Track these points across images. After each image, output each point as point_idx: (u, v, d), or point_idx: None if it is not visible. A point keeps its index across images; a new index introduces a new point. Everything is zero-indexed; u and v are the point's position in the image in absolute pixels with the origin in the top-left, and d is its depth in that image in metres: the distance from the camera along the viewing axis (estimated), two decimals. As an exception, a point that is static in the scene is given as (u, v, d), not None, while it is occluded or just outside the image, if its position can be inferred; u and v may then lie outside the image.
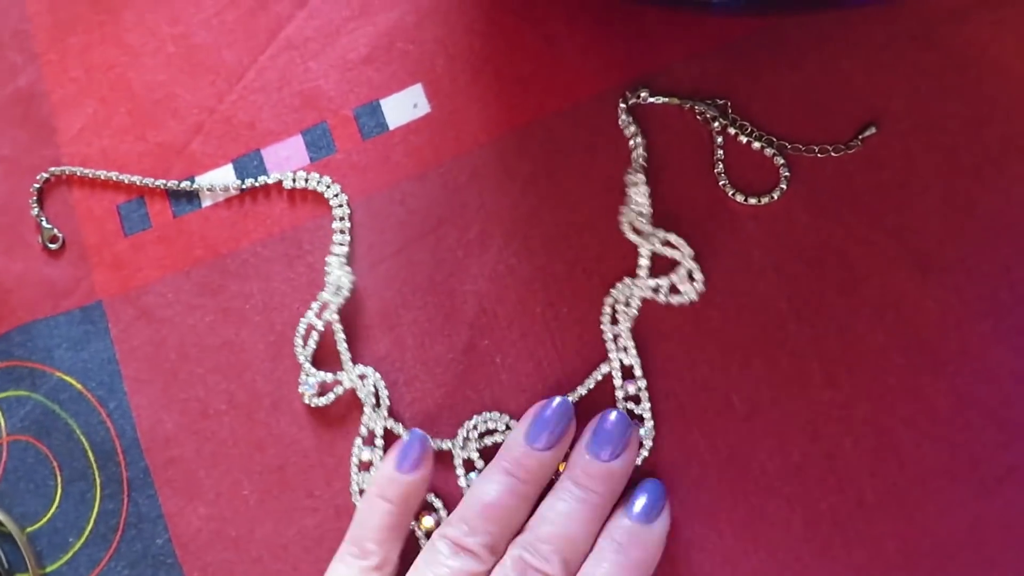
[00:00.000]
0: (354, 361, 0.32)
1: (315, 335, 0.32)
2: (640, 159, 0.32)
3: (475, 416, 0.31)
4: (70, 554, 0.33)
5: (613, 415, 0.30)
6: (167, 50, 0.36)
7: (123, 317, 0.34)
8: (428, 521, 0.31)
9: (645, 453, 0.30)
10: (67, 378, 0.33)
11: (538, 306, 0.32)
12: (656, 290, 0.31)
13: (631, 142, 0.32)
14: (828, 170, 0.32)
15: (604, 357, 0.31)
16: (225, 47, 0.36)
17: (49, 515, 0.33)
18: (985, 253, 0.30)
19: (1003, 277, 0.30)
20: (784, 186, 0.32)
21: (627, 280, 0.31)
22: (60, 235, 0.35)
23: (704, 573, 0.30)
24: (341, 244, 0.33)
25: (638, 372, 0.31)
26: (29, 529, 0.33)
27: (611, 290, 0.32)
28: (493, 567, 0.28)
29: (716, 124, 0.32)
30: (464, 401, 0.32)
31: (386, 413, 0.32)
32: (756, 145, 0.32)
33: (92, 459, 0.33)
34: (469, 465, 0.31)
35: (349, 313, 0.33)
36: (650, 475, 0.31)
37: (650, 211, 0.31)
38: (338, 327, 0.32)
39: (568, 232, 0.33)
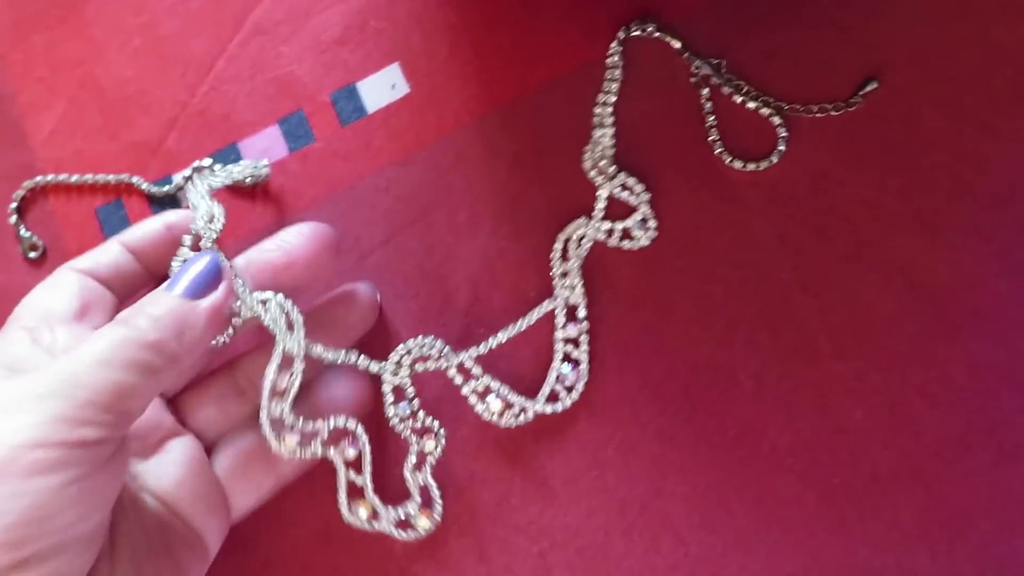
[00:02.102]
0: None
1: None
2: (612, 95, 0.31)
3: (410, 340, 0.29)
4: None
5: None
6: (133, 43, 0.35)
7: (111, 324, 0.33)
8: (350, 452, 0.29)
9: (576, 396, 0.30)
10: (59, 390, 0.33)
11: (532, 290, 0.31)
12: (609, 233, 0.30)
13: (608, 75, 0.31)
14: (829, 130, 0.30)
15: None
16: (192, 36, 0.34)
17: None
18: (997, 210, 0.29)
19: (1017, 235, 0.29)
20: (782, 148, 0.30)
21: (582, 219, 0.31)
22: (40, 243, 0.34)
23: (717, 554, 0.29)
24: (216, 177, 0.31)
25: (582, 313, 0.30)
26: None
27: (566, 227, 0.31)
28: None
29: (706, 90, 0.31)
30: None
31: (303, 334, 0.28)
32: (751, 105, 0.30)
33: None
34: (399, 393, 0.29)
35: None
36: (657, 456, 0.30)
37: (613, 152, 0.31)
38: (224, 260, 0.28)
39: (559, 211, 0.31)
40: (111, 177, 0.34)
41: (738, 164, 0.30)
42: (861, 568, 0.29)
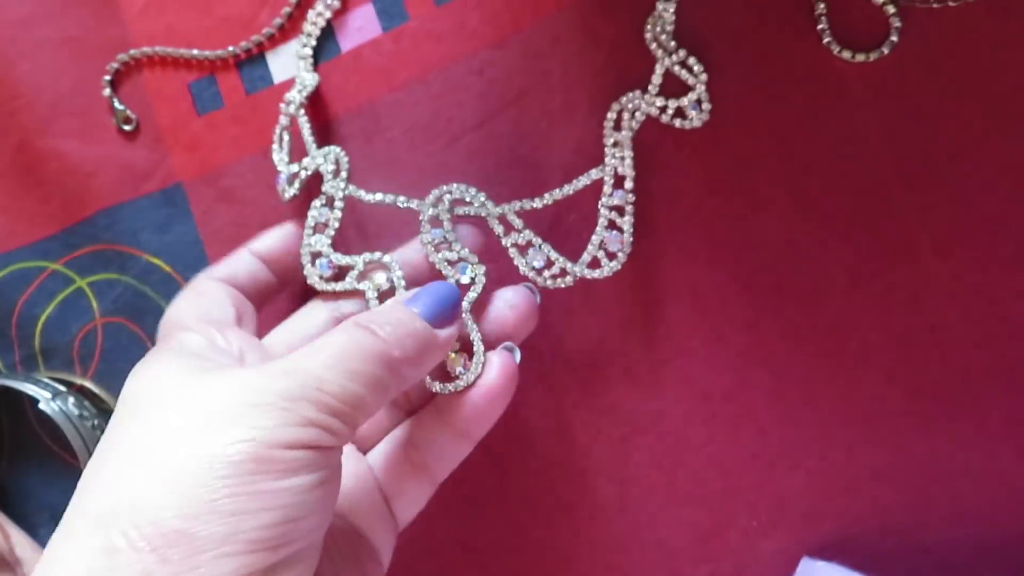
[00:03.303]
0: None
1: (286, 137, 0.32)
2: None
3: (452, 184, 0.30)
4: (172, 429, 0.34)
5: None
6: (226, -85, 0.34)
7: (204, 199, 0.34)
8: (380, 278, 0.29)
9: (617, 266, 0.29)
10: (155, 260, 0.34)
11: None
12: (663, 109, 0.30)
13: None
14: (945, 21, 0.29)
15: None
16: (287, -91, 0.34)
17: (149, 393, 0.34)
18: (1120, 109, 0.28)
19: None
20: (895, 39, 0.29)
21: (637, 92, 0.30)
22: (134, 116, 0.34)
23: (799, 446, 0.30)
24: (305, 46, 0.33)
25: (629, 184, 0.30)
26: (131, 406, 0.34)
27: (621, 98, 0.30)
28: None
29: (821, -25, 0.30)
30: (551, 278, 0.31)
31: (345, 178, 0.30)
32: (865, -6, 0.29)
33: (185, 339, 0.33)
34: (435, 222, 0.29)
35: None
36: (743, 348, 0.30)
37: (673, 27, 0.30)
38: (303, 119, 0.31)
39: (657, 99, 0.31)
40: (206, 52, 0.34)
41: (847, 55, 0.29)
42: (945, 466, 0.29)
